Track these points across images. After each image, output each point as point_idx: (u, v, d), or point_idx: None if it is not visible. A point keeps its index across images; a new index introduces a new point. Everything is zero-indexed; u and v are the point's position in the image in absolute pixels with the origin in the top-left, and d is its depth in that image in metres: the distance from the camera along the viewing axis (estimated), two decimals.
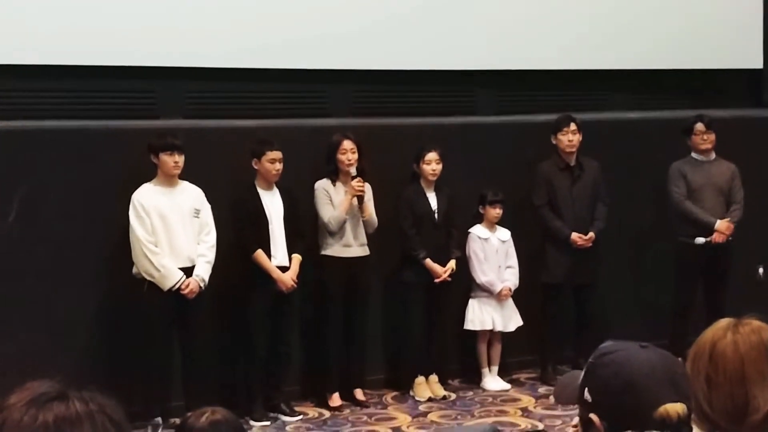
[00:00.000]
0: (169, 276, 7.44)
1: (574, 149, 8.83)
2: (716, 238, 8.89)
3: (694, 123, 9.04)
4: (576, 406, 2.43)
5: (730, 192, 9.05)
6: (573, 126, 8.81)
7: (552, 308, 8.91)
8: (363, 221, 8.23)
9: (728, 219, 8.92)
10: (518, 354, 9.08)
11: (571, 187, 8.84)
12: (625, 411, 2.28)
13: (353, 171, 8.16)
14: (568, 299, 8.94)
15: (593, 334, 8.22)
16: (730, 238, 8.92)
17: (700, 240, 8.91)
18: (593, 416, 2.33)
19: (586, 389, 2.36)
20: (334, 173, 8.23)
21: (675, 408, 2.28)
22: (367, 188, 8.22)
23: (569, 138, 8.80)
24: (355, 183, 8.12)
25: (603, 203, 8.91)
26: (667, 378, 2.31)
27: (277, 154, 7.89)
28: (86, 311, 7.73)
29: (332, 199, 8.18)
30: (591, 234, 8.78)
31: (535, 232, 8.91)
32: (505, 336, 8.81)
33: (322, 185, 8.23)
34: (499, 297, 8.66)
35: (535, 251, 8.90)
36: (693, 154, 9.08)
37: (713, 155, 9.08)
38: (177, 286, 7.44)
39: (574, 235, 8.73)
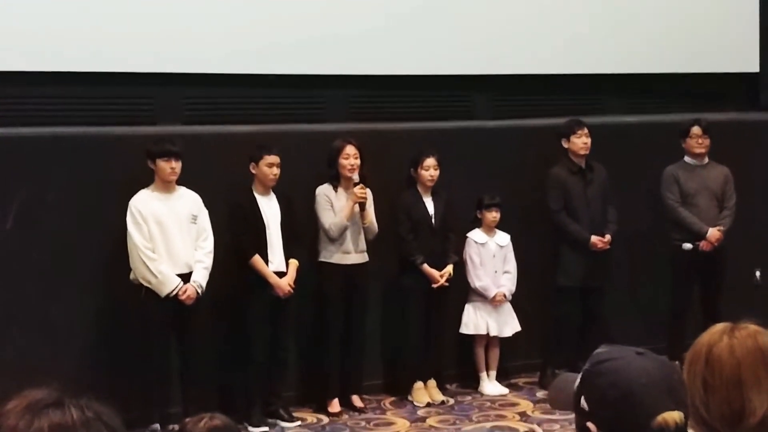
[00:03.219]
0: (167, 282, 7.44)
1: (588, 151, 8.84)
2: (704, 246, 8.90)
3: (691, 126, 9.06)
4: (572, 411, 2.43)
5: (723, 196, 9.06)
6: (585, 129, 8.83)
7: (564, 311, 8.86)
8: (364, 228, 8.23)
9: (718, 228, 8.92)
10: (517, 358, 9.08)
11: (584, 191, 8.85)
12: (623, 420, 2.28)
13: (356, 177, 8.15)
14: (578, 302, 8.91)
15: (597, 338, 8.19)
16: (723, 244, 8.92)
17: (688, 246, 8.93)
18: (590, 425, 2.33)
19: (583, 398, 2.36)
20: (336, 178, 8.22)
21: (673, 416, 2.28)
22: (368, 194, 8.22)
23: (584, 140, 8.82)
24: (357, 190, 8.11)
25: (613, 206, 8.93)
26: (664, 386, 2.30)
27: (274, 159, 7.90)
28: (84, 317, 7.73)
29: (333, 205, 8.18)
30: (608, 236, 8.80)
31: (536, 236, 8.91)
32: (503, 340, 8.81)
33: (324, 191, 8.23)
34: (493, 302, 8.66)
35: (538, 255, 8.90)
36: (686, 158, 9.10)
37: (706, 159, 9.10)
38: (174, 292, 7.44)
39: (594, 238, 8.74)
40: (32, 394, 1.78)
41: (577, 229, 8.79)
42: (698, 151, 9.05)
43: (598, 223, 8.85)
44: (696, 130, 9.04)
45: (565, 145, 8.88)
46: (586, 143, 8.83)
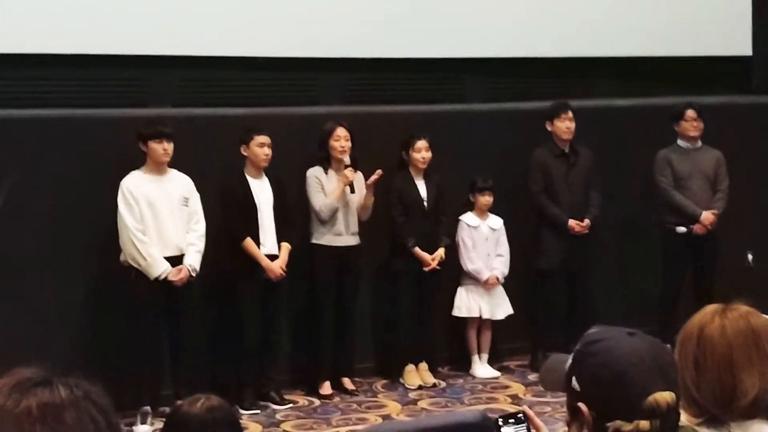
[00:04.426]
0: (155, 265, 7.42)
1: (571, 136, 8.84)
2: (697, 229, 8.92)
3: (685, 109, 9.06)
4: (564, 393, 2.43)
5: (716, 179, 9.07)
6: (570, 113, 8.82)
7: (546, 294, 8.90)
8: (362, 208, 8.22)
9: (712, 211, 8.93)
10: (508, 341, 9.08)
11: (566, 174, 8.85)
12: (614, 401, 2.28)
13: (347, 159, 8.14)
14: (561, 286, 8.93)
15: (585, 321, 8.20)
16: (715, 227, 8.95)
17: (682, 229, 8.95)
18: (581, 405, 2.32)
19: (574, 378, 2.36)
20: (327, 161, 8.21)
21: (664, 397, 2.28)
22: (359, 177, 8.20)
23: (567, 125, 8.81)
24: (347, 172, 8.10)
25: (597, 190, 8.93)
26: (655, 366, 2.30)
27: (265, 139, 7.88)
28: (75, 299, 7.72)
29: (324, 187, 8.17)
30: (587, 221, 8.80)
31: (526, 219, 8.91)
32: (495, 323, 8.82)
33: (314, 173, 8.22)
34: (485, 285, 8.66)
35: (527, 238, 8.90)
36: (679, 142, 9.10)
37: (699, 143, 9.11)
38: (163, 275, 7.42)
39: (572, 222, 8.74)
40: (20, 373, 1.77)
41: (557, 212, 8.80)
42: (692, 134, 9.05)
43: (579, 207, 8.84)
44: (690, 113, 9.04)
45: (549, 127, 8.88)
46: (569, 127, 8.83)
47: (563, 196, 8.82)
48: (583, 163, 8.92)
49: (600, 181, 8.96)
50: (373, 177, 8.15)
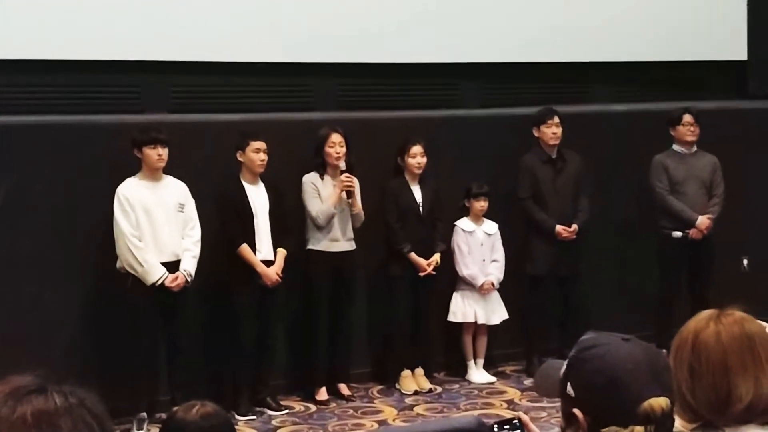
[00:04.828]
0: (152, 271, 7.42)
1: (558, 141, 8.86)
2: (693, 234, 8.93)
3: (682, 114, 9.06)
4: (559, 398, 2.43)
5: (711, 184, 9.08)
6: (557, 119, 8.83)
7: (537, 300, 8.93)
8: (352, 215, 8.23)
9: (707, 216, 8.95)
10: (504, 346, 9.08)
11: (554, 180, 8.86)
12: (609, 406, 2.28)
13: (342, 165, 8.14)
14: (552, 291, 8.95)
15: (578, 325, 8.21)
16: (711, 232, 8.96)
17: (677, 234, 8.96)
18: (576, 411, 2.32)
19: (569, 384, 2.36)
20: (322, 166, 8.21)
21: (659, 402, 2.28)
22: (355, 182, 8.20)
23: (554, 130, 8.82)
24: (343, 177, 8.10)
25: (585, 195, 8.93)
26: (650, 372, 2.30)
27: (261, 144, 7.89)
28: (72, 305, 7.71)
29: (320, 193, 8.17)
30: (575, 226, 8.81)
31: (520, 225, 8.91)
32: (490, 329, 8.82)
33: (310, 179, 8.22)
34: (481, 290, 8.67)
35: (521, 244, 8.91)
36: (675, 147, 9.11)
37: (695, 148, 9.11)
38: (160, 281, 7.42)
39: (559, 228, 8.75)
40: (15, 381, 1.77)
41: (544, 217, 8.81)
42: (690, 138, 9.06)
43: (566, 212, 8.85)
44: (688, 118, 9.05)
45: (536, 133, 8.89)
46: (555, 133, 8.84)
47: (551, 202, 8.84)
48: (570, 168, 8.92)
49: (589, 186, 8.97)
50: (341, 185, 8.11)
